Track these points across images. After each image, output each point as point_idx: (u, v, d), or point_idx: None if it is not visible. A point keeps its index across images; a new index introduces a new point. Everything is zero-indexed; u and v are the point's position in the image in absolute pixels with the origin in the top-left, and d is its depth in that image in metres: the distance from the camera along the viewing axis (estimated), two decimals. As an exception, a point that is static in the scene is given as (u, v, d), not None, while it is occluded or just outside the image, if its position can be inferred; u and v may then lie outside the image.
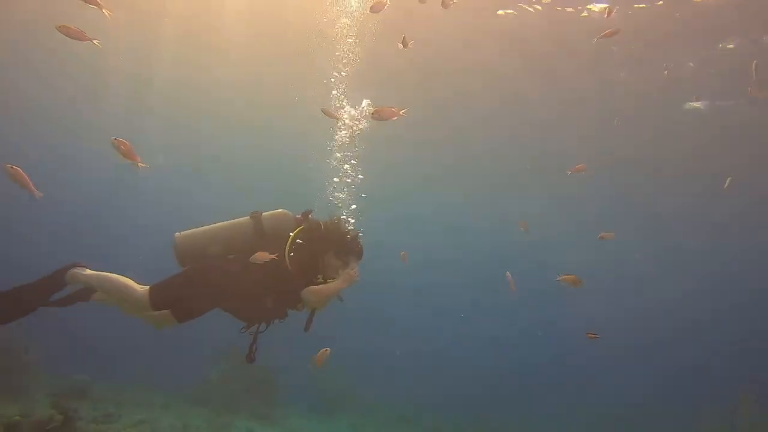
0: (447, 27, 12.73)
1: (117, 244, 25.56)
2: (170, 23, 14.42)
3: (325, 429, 12.74)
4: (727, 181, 10.54)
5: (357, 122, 5.74)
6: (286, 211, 4.34)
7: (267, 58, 15.79)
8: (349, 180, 5.51)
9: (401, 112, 5.07)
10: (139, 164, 4.41)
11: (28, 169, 4.26)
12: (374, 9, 6.52)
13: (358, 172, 5.55)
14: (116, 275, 4.05)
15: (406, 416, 15.45)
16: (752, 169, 16.33)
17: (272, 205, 4.45)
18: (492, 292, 21.92)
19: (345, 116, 5.74)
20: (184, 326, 4.04)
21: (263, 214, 4.28)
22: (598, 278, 21.42)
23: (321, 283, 4.12)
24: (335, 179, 5.52)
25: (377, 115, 5.09)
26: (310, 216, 4.33)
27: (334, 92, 6.60)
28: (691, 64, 13.26)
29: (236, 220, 4.31)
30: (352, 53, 7.59)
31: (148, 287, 4.00)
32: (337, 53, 7.55)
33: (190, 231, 4.19)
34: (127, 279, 4.06)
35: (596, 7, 11.35)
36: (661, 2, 10.89)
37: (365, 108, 5.73)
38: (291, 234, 4.12)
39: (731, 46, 12.31)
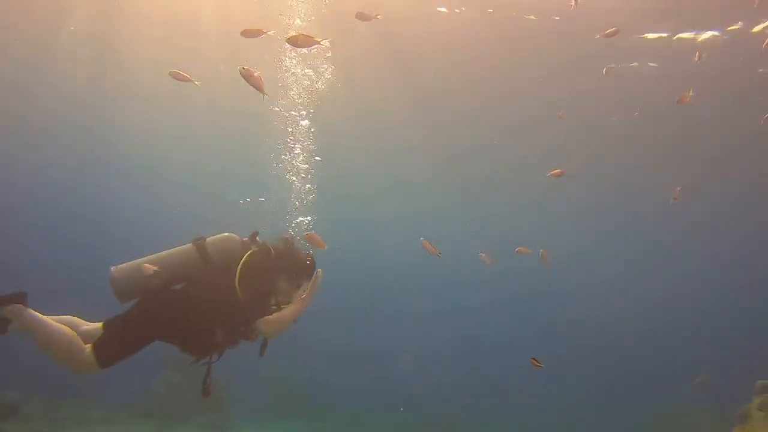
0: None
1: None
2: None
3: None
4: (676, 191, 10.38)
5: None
6: (231, 234, 4.06)
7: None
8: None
9: (321, 42, 4.95)
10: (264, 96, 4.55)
11: None
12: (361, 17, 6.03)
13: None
14: (62, 329, 3.60)
15: (361, 421, 14.47)
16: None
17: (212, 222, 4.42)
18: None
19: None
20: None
21: (207, 239, 3.98)
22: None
23: (275, 311, 3.86)
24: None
25: (293, 42, 4.96)
26: (257, 238, 4.07)
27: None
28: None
29: (178, 248, 3.97)
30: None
31: (90, 348, 3.53)
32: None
33: (127, 264, 3.80)
34: (69, 334, 3.60)
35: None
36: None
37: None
38: (240, 261, 3.83)
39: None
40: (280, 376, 14.90)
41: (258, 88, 4.46)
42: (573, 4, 8.73)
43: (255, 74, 4.39)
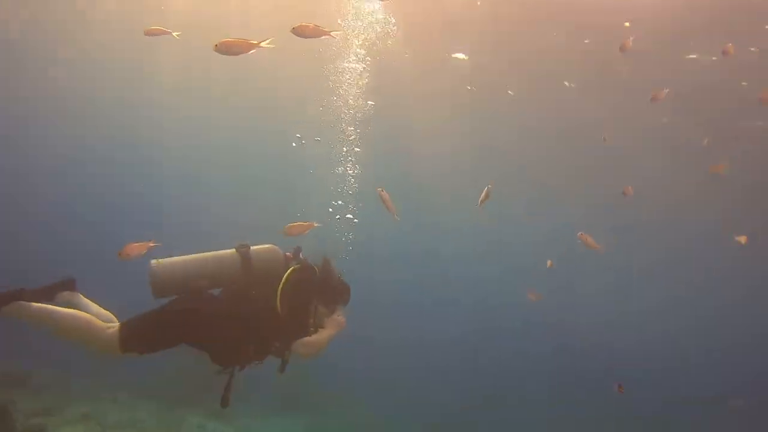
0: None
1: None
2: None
3: (279, 429, 12.11)
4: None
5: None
6: (275, 246, 3.99)
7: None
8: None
9: (330, 33, 4.82)
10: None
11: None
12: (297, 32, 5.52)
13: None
14: (75, 313, 3.53)
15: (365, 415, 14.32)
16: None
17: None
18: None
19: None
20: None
21: (251, 248, 3.90)
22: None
23: (312, 332, 3.77)
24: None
25: (297, 32, 4.82)
26: (300, 255, 4.04)
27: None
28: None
29: (221, 252, 3.89)
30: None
31: (117, 328, 3.50)
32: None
33: (168, 260, 3.71)
34: (88, 315, 3.56)
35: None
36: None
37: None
38: (279, 275, 3.77)
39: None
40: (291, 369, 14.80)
41: (317, 35, 4.48)
42: None
43: (310, 26, 4.42)
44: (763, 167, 15.74)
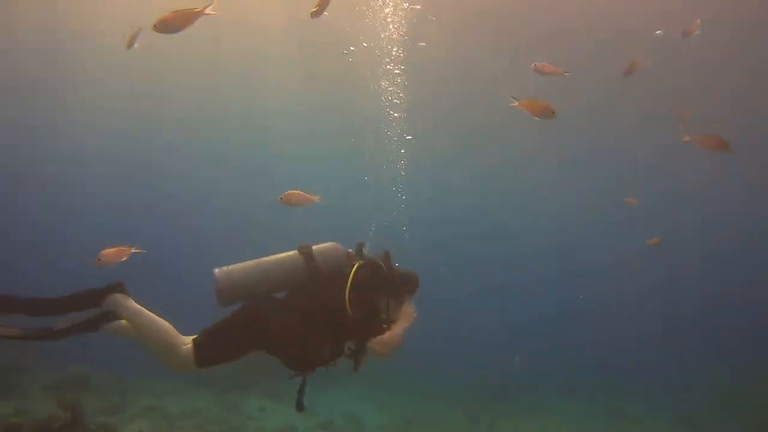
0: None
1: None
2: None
3: (338, 405, 12.14)
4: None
5: None
6: (338, 244, 3.90)
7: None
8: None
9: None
10: None
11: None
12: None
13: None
14: (164, 323, 3.49)
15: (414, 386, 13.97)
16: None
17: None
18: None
19: None
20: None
21: (314, 248, 3.82)
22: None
23: (386, 329, 3.65)
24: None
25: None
26: (364, 250, 3.95)
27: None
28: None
29: (284, 254, 3.79)
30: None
31: (191, 345, 3.44)
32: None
33: (232, 267, 3.65)
34: (172, 329, 3.50)
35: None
36: None
37: None
38: (350, 273, 3.67)
39: None
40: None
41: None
42: None
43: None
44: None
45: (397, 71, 10.26)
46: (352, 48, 11.85)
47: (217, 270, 3.60)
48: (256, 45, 18.78)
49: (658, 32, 10.49)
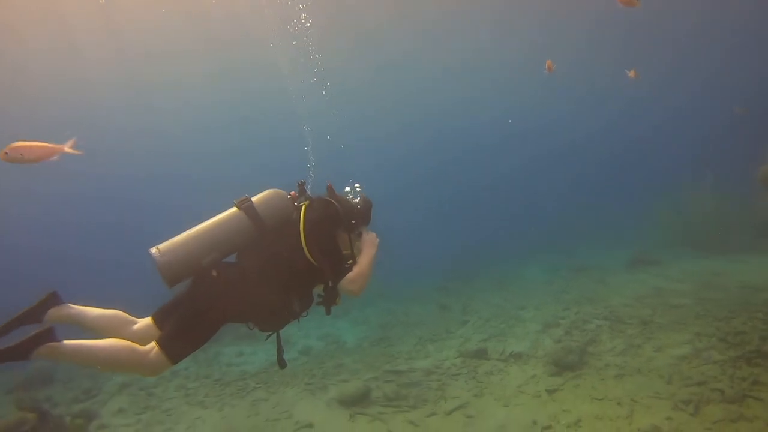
0: None
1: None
2: None
3: (312, 330, 12.14)
4: None
5: None
6: (277, 189, 3.56)
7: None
8: None
9: None
10: None
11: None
12: None
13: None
14: (115, 345, 3.07)
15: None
16: None
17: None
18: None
19: None
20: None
21: (253, 200, 3.47)
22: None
23: (352, 265, 3.48)
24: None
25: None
26: (306, 189, 3.67)
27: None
28: None
29: (222, 215, 3.43)
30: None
31: (156, 346, 3.12)
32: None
33: (169, 243, 3.24)
34: (125, 343, 3.12)
35: None
36: None
37: None
38: (299, 218, 3.40)
39: None
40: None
41: None
42: None
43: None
44: None
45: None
46: None
47: (153, 249, 3.21)
48: None
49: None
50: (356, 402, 7.75)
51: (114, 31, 17.41)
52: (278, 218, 3.46)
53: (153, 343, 3.18)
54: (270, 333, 3.56)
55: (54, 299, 3.30)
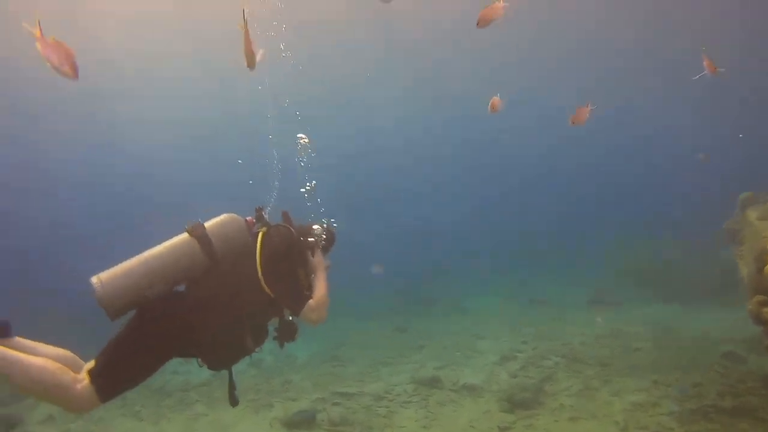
0: None
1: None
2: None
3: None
4: None
5: None
6: (233, 215, 3.28)
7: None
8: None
9: None
10: None
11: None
12: None
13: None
14: (42, 365, 2.70)
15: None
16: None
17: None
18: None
19: None
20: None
21: (206, 226, 3.17)
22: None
23: (309, 295, 3.23)
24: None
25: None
26: (264, 215, 3.38)
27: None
28: None
29: (172, 241, 3.11)
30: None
31: (87, 381, 2.78)
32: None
33: (112, 272, 2.91)
34: (56, 365, 2.75)
35: None
36: None
37: None
38: (256, 246, 3.15)
39: None
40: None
41: None
42: None
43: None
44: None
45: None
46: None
47: (94, 279, 2.87)
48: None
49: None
50: (300, 425, 7.36)
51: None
52: (233, 247, 3.16)
53: (84, 374, 2.82)
54: (218, 371, 3.25)
55: (4, 331, 2.85)
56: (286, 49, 5.34)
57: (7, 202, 21.34)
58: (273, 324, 3.32)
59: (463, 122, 28.61)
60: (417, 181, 32.28)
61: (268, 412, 7.99)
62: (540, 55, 24.50)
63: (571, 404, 7.39)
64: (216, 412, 8.16)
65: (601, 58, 23.78)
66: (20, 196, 22.34)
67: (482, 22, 4.71)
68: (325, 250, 3.52)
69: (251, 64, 3.76)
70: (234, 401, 3.34)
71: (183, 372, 10.05)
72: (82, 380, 2.78)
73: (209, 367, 3.16)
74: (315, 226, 3.53)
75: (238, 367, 3.26)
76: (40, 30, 3.12)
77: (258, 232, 3.24)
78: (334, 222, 3.66)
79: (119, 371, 2.88)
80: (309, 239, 3.40)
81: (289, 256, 3.24)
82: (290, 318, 3.25)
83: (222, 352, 3.11)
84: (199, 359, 3.13)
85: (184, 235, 3.12)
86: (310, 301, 3.14)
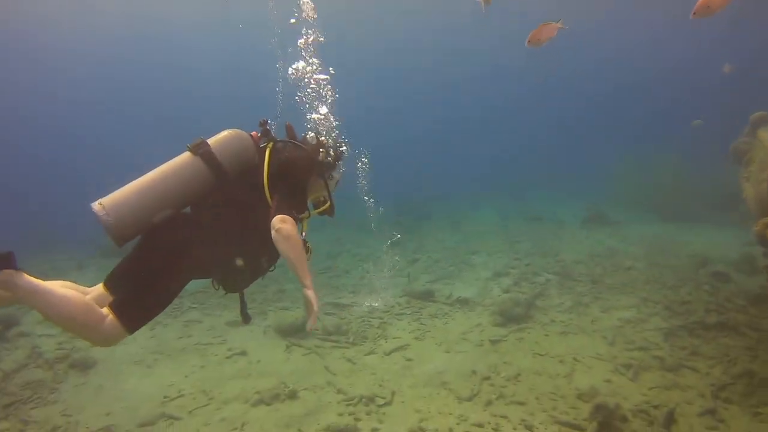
0: None
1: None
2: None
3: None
4: None
5: None
6: (237, 130, 3.02)
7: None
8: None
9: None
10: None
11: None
12: None
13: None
14: (73, 298, 2.58)
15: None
16: None
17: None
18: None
19: None
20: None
21: (210, 142, 2.95)
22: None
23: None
24: None
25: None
26: (270, 129, 3.16)
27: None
28: None
29: (175, 161, 2.90)
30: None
31: (110, 313, 2.67)
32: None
33: (115, 196, 2.72)
34: (80, 303, 2.60)
35: None
36: None
37: None
38: (258, 163, 2.99)
39: None
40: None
41: None
42: None
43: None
44: None
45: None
46: None
47: (95, 204, 2.67)
48: None
49: None
50: (294, 332, 7.45)
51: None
52: (240, 163, 2.99)
53: (106, 309, 2.74)
54: (235, 292, 3.18)
55: (8, 261, 2.61)
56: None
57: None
58: None
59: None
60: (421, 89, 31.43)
61: (262, 320, 8.08)
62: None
63: (562, 320, 7.47)
64: (210, 318, 8.26)
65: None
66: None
67: (533, 42, 4.44)
68: (331, 167, 3.37)
69: None
70: (246, 319, 3.34)
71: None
72: (106, 316, 2.72)
73: (225, 290, 3.11)
74: (310, 134, 3.39)
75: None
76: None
77: (265, 147, 3.09)
78: (345, 139, 3.53)
79: (142, 302, 2.82)
80: (327, 156, 3.31)
81: (301, 169, 3.11)
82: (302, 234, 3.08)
83: (237, 274, 3.03)
84: (214, 281, 3.08)
85: (187, 154, 2.94)
86: (288, 225, 2.75)
